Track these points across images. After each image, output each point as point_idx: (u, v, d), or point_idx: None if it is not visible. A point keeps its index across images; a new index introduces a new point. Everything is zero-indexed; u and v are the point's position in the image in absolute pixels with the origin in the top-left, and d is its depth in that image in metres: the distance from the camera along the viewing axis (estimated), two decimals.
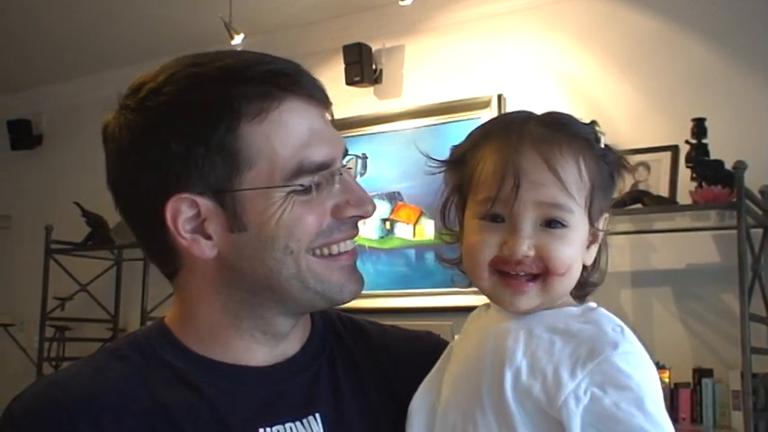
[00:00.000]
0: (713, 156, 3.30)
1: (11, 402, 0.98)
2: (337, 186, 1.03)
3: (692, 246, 3.47)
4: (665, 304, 3.53)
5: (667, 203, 3.34)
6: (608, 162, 1.04)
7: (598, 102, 3.80)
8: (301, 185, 1.00)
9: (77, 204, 4.87)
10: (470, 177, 1.05)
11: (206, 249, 1.02)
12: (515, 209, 0.99)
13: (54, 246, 4.99)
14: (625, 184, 1.15)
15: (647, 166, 3.48)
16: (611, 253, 3.67)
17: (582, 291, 1.09)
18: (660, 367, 3.30)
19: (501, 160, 1.01)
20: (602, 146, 1.04)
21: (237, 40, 4.21)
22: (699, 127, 3.32)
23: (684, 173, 3.37)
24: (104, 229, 4.91)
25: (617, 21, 3.84)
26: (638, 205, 3.33)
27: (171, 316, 1.10)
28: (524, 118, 1.05)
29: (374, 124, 4.35)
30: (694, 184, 3.29)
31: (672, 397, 3.22)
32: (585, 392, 0.92)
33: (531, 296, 1.01)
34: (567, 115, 1.07)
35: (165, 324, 1.09)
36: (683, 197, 3.34)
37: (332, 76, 4.44)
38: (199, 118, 0.98)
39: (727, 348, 3.33)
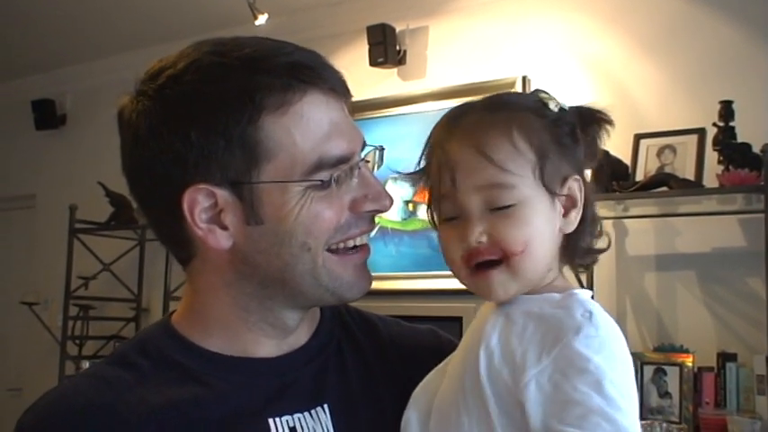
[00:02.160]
0: (740, 139, 3.26)
1: (22, 416, 0.99)
2: (356, 180, 1.03)
3: (718, 229, 3.43)
4: (689, 288, 3.51)
5: (693, 187, 3.30)
6: (565, 123, 1.04)
7: (623, 84, 3.76)
8: (321, 180, 0.99)
9: (101, 184, 4.89)
10: (427, 181, 1.08)
11: (221, 240, 1.01)
12: (459, 200, 1.01)
13: (78, 225, 5.02)
14: (603, 135, 1.10)
15: (673, 148, 3.45)
16: (635, 237, 3.68)
17: (583, 259, 1.09)
18: (684, 351, 3.29)
19: (437, 158, 1.03)
20: (555, 109, 1.04)
21: (261, 20, 4.21)
22: (726, 109, 3.29)
23: (711, 156, 3.34)
24: (128, 208, 4.93)
25: (643, 2, 3.80)
26: (664, 188, 3.30)
27: (179, 311, 1.11)
28: (462, 110, 1.05)
29: (397, 105, 4.33)
30: (721, 167, 3.26)
31: (695, 381, 3.21)
32: (549, 379, 0.91)
33: (500, 283, 1.01)
34: (508, 94, 1.08)
35: (171, 323, 1.09)
36: (710, 180, 3.31)
37: (355, 57, 4.43)
38: (220, 109, 0.97)
39: (751, 333, 3.31)
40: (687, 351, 3.30)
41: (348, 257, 1.04)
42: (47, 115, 5.78)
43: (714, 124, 3.30)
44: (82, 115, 5.75)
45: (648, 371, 3.30)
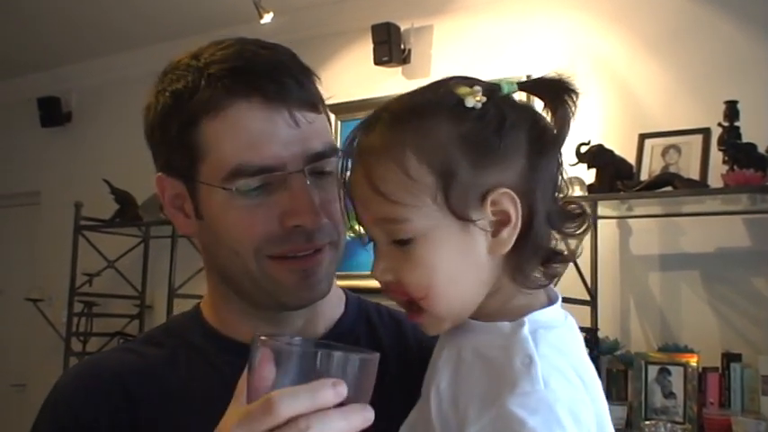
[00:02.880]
0: (745, 139, 3.25)
1: (59, 378, 1.13)
2: (287, 193, 1.01)
3: (723, 229, 3.43)
4: (693, 288, 3.50)
5: (698, 186, 3.30)
6: (490, 121, 0.87)
7: (628, 84, 3.76)
8: (241, 188, 1.00)
9: (106, 181, 4.90)
10: None
11: (184, 226, 1.09)
12: (365, 230, 0.91)
13: (83, 222, 5.03)
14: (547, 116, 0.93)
15: (677, 148, 3.45)
16: (640, 237, 3.68)
17: (533, 282, 0.91)
18: (688, 351, 3.28)
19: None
20: (477, 104, 0.87)
21: (266, 18, 4.21)
22: (731, 109, 3.28)
23: (716, 156, 3.33)
24: (132, 206, 4.94)
25: (647, 1, 3.79)
26: (668, 188, 3.30)
27: (205, 297, 1.16)
28: (367, 124, 0.91)
29: None
30: (726, 167, 3.25)
31: (700, 381, 3.20)
32: None
33: (428, 324, 0.91)
34: (420, 95, 0.90)
35: (199, 307, 1.16)
36: (714, 180, 3.30)
37: (360, 56, 4.43)
38: (171, 108, 1.04)
39: (756, 333, 3.31)
40: (692, 351, 3.29)
41: (287, 264, 1.03)
42: (52, 113, 5.79)
43: (719, 124, 3.30)
44: (87, 113, 5.75)
45: (653, 371, 3.29)
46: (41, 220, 5.93)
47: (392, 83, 4.39)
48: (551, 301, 0.93)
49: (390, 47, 4.32)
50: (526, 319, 0.87)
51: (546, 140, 0.90)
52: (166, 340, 1.12)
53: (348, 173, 0.91)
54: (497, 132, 0.86)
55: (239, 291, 1.07)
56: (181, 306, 4.45)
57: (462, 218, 0.86)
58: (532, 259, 0.90)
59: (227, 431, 0.78)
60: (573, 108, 0.92)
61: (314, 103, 1.04)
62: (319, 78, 1.09)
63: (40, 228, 5.91)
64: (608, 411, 0.92)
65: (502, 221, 0.87)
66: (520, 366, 0.83)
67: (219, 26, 4.45)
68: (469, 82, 0.89)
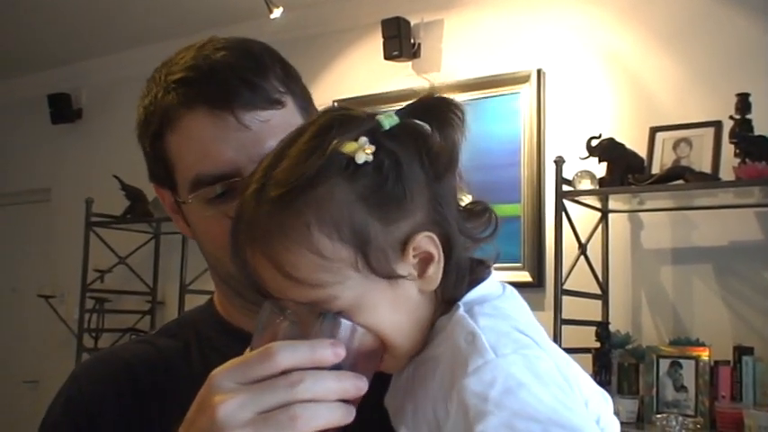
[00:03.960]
0: (757, 131, 3.24)
1: (75, 368, 1.17)
2: None
3: (735, 223, 3.42)
4: (705, 281, 3.49)
5: (710, 180, 3.29)
6: (388, 170, 0.82)
7: (639, 77, 3.75)
8: (201, 197, 1.01)
9: (117, 178, 4.91)
10: None
11: (183, 230, 1.12)
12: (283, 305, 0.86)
13: (94, 219, 5.05)
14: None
15: (689, 141, 3.44)
16: (651, 230, 3.67)
17: (460, 288, 0.88)
18: (700, 344, 3.27)
19: (239, 254, 0.85)
20: (370, 156, 0.81)
21: (276, 14, 4.21)
22: (743, 102, 3.26)
23: (728, 149, 3.31)
24: (143, 202, 4.95)
25: None
26: (680, 181, 3.29)
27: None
28: (250, 202, 0.83)
29: (412, 99, 4.31)
30: (737, 160, 3.24)
31: (711, 375, 3.19)
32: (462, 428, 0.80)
33: (387, 366, 0.88)
34: (304, 163, 0.81)
35: (212, 300, 1.18)
36: (726, 173, 3.29)
37: (370, 51, 4.43)
38: (144, 122, 1.06)
39: None
40: (703, 344, 3.28)
41: None
42: (63, 109, 5.80)
43: (730, 117, 3.28)
44: (98, 109, 5.77)
45: (664, 364, 3.29)
46: (53, 217, 5.94)
47: (402, 77, 4.38)
48: (481, 280, 0.90)
49: (400, 41, 4.31)
50: (459, 303, 0.86)
51: (441, 165, 0.85)
52: (180, 332, 1.14)
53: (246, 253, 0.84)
54: (397, 180, 0.81)
55: (234, 290, 1.08)
56: (192, 302, 4.46)
57: (389, 277, 0.82)
58: (460, 280, 0.87)
59: (221, 374, 0.78)
60: (460, 123, 0.86)
61: (268, 99, 1.01)
62: (287, 68, 1.07)
63: (52, 225, 5.93)
64: (571, 364, 0.91)
65: (425, 260, 0.84)
66: (465, 345, 0.81)
67: (230, 22, 4.46)
68: (352, 133, 0.82)
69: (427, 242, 0.84)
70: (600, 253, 3.64)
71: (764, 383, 3.12)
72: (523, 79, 4.01)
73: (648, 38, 3.77)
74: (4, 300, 6.17)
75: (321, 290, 0.81)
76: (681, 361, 3.27)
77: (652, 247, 3.64)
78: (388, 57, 4.36)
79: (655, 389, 3.28)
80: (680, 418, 3.11)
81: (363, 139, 0.81)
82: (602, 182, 3.46)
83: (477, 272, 0.90)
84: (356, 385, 0.79)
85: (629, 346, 3.45)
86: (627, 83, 3.77)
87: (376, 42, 4.40)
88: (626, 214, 3.68)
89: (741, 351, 3.19)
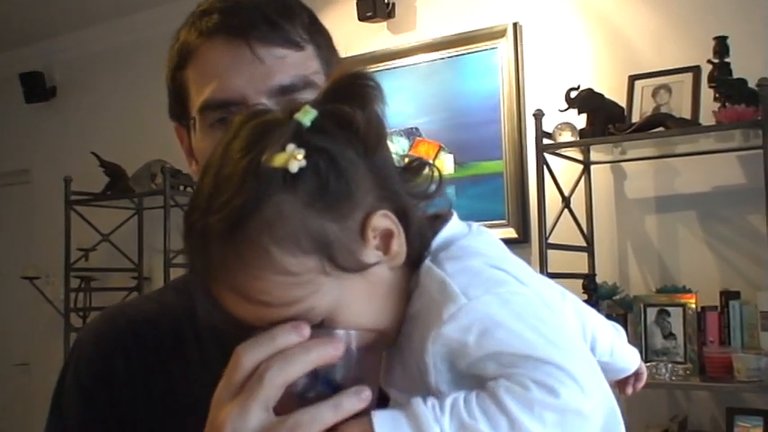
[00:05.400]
0: (736, 74, 3.22)
1: (81, 331, 1.21)
2: None
3: (717, 168, 3.42)
4: (690, 228, 3.50)
5: (690, 125, 3.28)
6: (326, 169, 0.79)
7: (616, 26, 3.72)
8: (205, 120, 1.05)
9: (95, 154, 4.87)
10: None
11: (195, 173, 1.12)
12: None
13: (74, 197, 4.99)
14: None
15: (668, 88, 3.42)
16: (634, 180, 3.65)
17: (432, 232, 0.88)
18: (687, 291, 3.29)
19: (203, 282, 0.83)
20: (303, 162, 0.77)
21: None
22: (721, 45, 3.24)
23: (707, 94, 3.30)
24: (123, 178, 4.92)
25: None
26: (661, 129, 3.28)
27: None
28: (196, 245, 0.81)
29: (389, 60, 4.28)
30: (717, 104, 3.22)
31: (699, 321, 3.21)
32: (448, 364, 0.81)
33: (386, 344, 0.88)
34: (240, 196, 0.77)
35: None
36: (707, 118, 3.28)
37: (344, 13, 4.38)
38: (169, 60, 1.11)
39: (754, 270, 3.31)
40: (690, 291, 3.29)
41: None
42: (36, 88, 5.73)
43: (709, 61, 3.27)
44: (72, 86, 5.69)
45: (651, 313, 3.30)
46: (33, 198, 5.90)
47: (378, 38, 4.34)
48: (443, 223, 0.89)
49: (374, 2, 4.25)
50: (426, 257, 0.85)
51: (372, 142, 0.83)
52: (186, 287, 1.14)
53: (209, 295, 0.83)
54: (338, 177, 0.80)
55: None
56: (178, 275, 4.44)
57: (360, 269, 0.81)
58: (423, 242, 0.86)
59: (218, 391, 0.80)
60: (377, 93, 0.83)
61: (287, 39, 1.04)
62: (316, 21, 1.11)
63: (32, 205, 5.88)
64: (566, 296, 0.92)
65: (386, 237, 0.83)
66: (437, 295, 0.80)
67: None
68: (277, 143, 0.78)
69: (383, 220, 0.83)
70: (584, 205, 3.64)
71: (752, 326, 3.14)
72: (500, 34, 3.98)
73: None
74: None
75: (298, 305, 0.79)
76: (668, 309, 3.28)
77: (635, 197, 3.64)
78: (362, 18, 4.30)
79: (643, 337, 3.29)
80: (669, 366, 3.13)
81: (291, 146, 0.78)
82: (582, 133, 3.44)
83: (436, 225, 0.88)
84: (327, 349, 0.79)
85: (617, 297, 3.46)
86: (603, 32, 3.74)
87: (349, 4, 4.34)
88: (608, 165, 3.68)
89: (728, 296, 3.21)
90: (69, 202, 4.97)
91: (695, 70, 3.37)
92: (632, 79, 3.50)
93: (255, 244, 0.77)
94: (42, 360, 5.43)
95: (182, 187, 4.65)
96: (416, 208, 0.87)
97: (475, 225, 0.91)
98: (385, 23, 4.37)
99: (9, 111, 5.97)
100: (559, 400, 0.74)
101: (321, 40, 1.10)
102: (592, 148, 3.52)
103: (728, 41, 3.24)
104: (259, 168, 0.77)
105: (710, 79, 3.26)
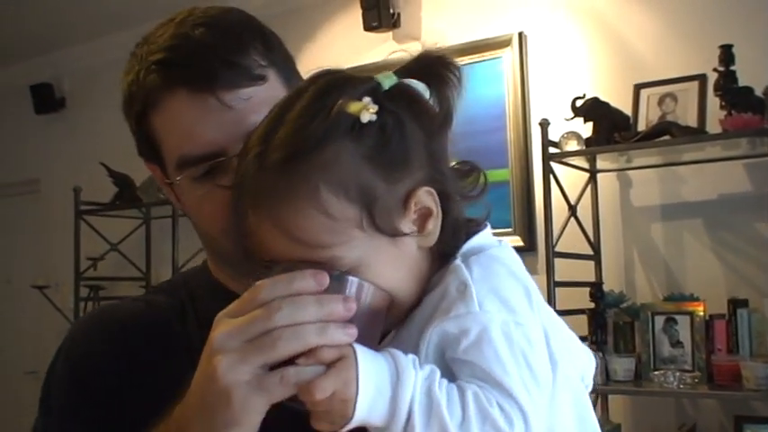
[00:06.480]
0: (742, 83, 3.22)
1: (71, 325, 1.24)
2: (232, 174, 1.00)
3: (723, 175, 3.42)
4: (696, 236, 3.50)
5: (696, 134, 3.28)
6: (392, 128, 0.84)
7: (621, 35, 3.73)
8: (187, 177, 1.02)
9: (103, 165, 4.89)
10: None
11: (177, 205, 1.13)
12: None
13: (83, 207, 5.02)
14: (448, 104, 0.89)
15: (674, 96, 3.42)
16: (640, 188, 3.65)
17: (457, 242, 0.91)
18: (694, 299, 3.29)
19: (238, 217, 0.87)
20: (374, 116, 0.82)
21: None
22: (726, 54, 3.25)
23: (713, 102, 3.30)
24: (131, 187, 4.94)
25: None
26: (667, 137, 3.28)
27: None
28: (252, 163, 0.84)
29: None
30: (723, 112, 3.23)
31: (707, 329, 3.20)
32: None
33: (378, 331, 0.89)
34: (309, 125, 0.82)
35: (207, 264, 1.19)
36: (713, 126, 3.28)
37: (349, 23, 4.40)
38: (127, 100, 1.07)
39: (761, 277, 3.30)
40: (697, 299, 3.29)
41: None
42: (46, 99, 5.77)
43: (714, 69, 3.27)
44: (81, 97, 5.73)
45: (659, 321, 3.30)
46: (42, 208, 5.93)
47: (383, 48, 4.36)
48: (476, 232, 0.92)
49: (379, 12, 4.27)
50: (457, 255, 0.88)
51: (437, 124, 0.88)
52: (174, 291, 1.16)
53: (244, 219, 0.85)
54: (401, 140, 0.84)
55: (229, 265, 1.10)
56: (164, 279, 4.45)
57: (393, 234, 0.84)
58: (455, 236, 0.90)
59: (219, 317, 0.83)
60: (455, 81, 0.88)
61: (249, 76, 1.01)
62: (268, 39, 1.07)
63: (42, 215, 5.91)
64: (560, 328, 0.93)
65: (424, 216, 0.87)
66: (455, 293, 0.84)
67: (209, 2, 4.41)
68: (355, 93, 0.83)
69: (427, 197, 0.86)
70: (590, 213, 3.64)
71: (760, 334, 3.13)
72: (505, 43, 3.99)
73: None
74: None
75: (326, 251, 0.82)
76: (676, 317, 3.28)
77: (642, 205, 3.64)
78: (367, 28, 4.32)
79: (651, 346, 3.29)
80: (677, 374, 3.13)
81: (367, 99, 0.83)
82: (588, 142, 3.45)
83: (471, 227, 0.92)
84: (340, 309, 0.80)
85: (624, 305, 3.46)
86: (608, 41, 3.75)
87: (355, 14, 4.36)
88: (614, 173, 3.68)
89: (735, 304, 3.20)
90: (79, 212, 5.00)
91: (701, 78, 3.37)
92: (638, 88, 3.50)
93: (307, 179, 0.81)
94: None
95: None
96: (458, 203, 0.91)
97: (505, 241, 0.94)
98: (390, 33, 4.39)
99: (19, 121, 6.00)
100: (509, 430, 0.79)
101: (277, 57, 1.07)
102: (598, 156, 3.52)
103: (734, 49, 3.24)
104: (331, 110, 0.82)
105: (716, 87, 3.26)
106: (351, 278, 0.83)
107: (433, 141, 0.88)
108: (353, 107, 0.82)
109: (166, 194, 1.15)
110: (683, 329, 3.24)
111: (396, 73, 0.87)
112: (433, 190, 0.87)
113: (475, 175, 0.93)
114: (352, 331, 0.80)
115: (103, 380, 1.08)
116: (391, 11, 4.33)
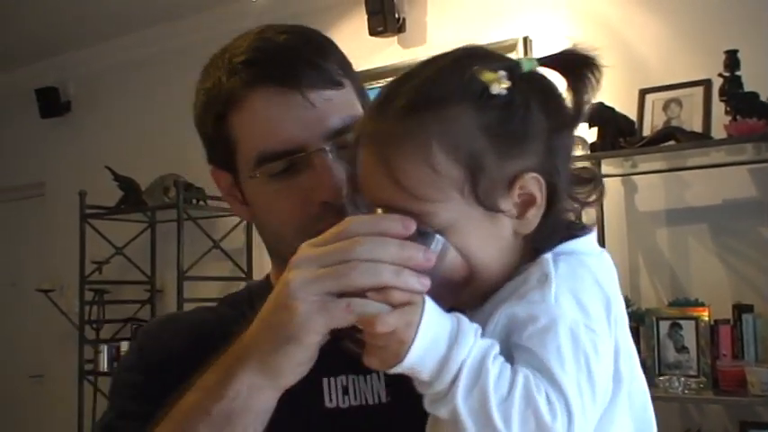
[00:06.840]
0: (747, 88, 3.22)
1: (143, 326, 1.24)
2: (311, 171, 1.04)
3: (728, 181, 3.41)
4: (701, 241, 3.50)
5: (701, 139, 3.28)
6: (517, 107, 0.85)
7: (626, 40, 3.73)
8: (265, 173, 1.05)
9: (109, 169, 4.90)
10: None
11: (240, 212, 1.16)
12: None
13: (88, 211, 5.03)
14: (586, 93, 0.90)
15: (679, 102, 3.43)
16: (645, 193, 3.64)
17: (551, 241, 0.89)
18: (699, 304, 3.28)
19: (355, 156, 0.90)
20: (503, 91, 0.84)
21: None
22: (731, 59, 3.25)
23: (718, 107, 3.30)
24: (136, 191, 4.95)
25: None
26: (672, 142, 3.28)
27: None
28: (381, 105, 0.88)
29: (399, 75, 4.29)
30: (728, 117, 3.23)
31: (712, 334, 3.20)
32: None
33: (465, 300, 0.89)
34: (441, 79, 0.85)
35: (270, 276, 1.21)
36: (718, 132, 3.28)
37: (355, 28, 4.40)
38: (206, 105, 1.10)
39: (766, 283, 3.30)
40: (702, 304, 3.28)
41: None
42: (51, 103, 5.79)
43: (720, 75, 3.27)
44: (86, 101, 5.74)
45: (664, 326, 3.29)
46: (48, 211, 5.94)
47: (388, 53, 4.36)
48: (576, 236, 0.91)
49: (384, 16, 4.28)
50: (549, 251, 0.88)
51: (564, 118, 0.89)
52: (238, 303, 1.18)
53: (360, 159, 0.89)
54: (523, 121, 0.85)
55: None
56: (191, 288, 4.47)
57: (491, 209, 0.85)
58: (553, 233, 0.89)
59: (305, 245, 0.86)
60: (595, 84, 0.90)
61: (331, 80, 1.06)
62: (343, 55, 1.12)
63: (47, 219, 5.93)
64: (632, 352, 0.92)
65: (527, 202, 0.87)
66: (534, 282, 0.84)
67: (213, 6, 4.42)
68: (492, 65, 0.85)
69: (534, 184, 0.86)
70: (595, 218, 3.64)
71: (765, 340, 3.13)
72: (510, 48, 3.99)
73: (634, 0, 3.75)
74: (4, 296, 6.19)
75: (422, 203, 0.84)
76: (681, 322, 3.27)
77: (647, 210, 3.64)
78: (372, 33, 4.33)
79: (656, 351, 3.28)
80: (682, 379, 3.12)
81: (502, 73, 0.84)
82: (593, 147, 3.45)
83: (574, 230, 0.92)
84: (419, 257, 0.81)
85: (629, 310, 3.42)
86: (613, 46, 3.74)
87: (360, 19, 4.37)
88: (619, 178, 3.68)
89: (741, 309, 3.20)
90: (84, 216, 5.01)
91: (706, 84, 3.37)
92: (643, 93, 3.51)
93: (423, 129, 0.83)
94: (56, 372, 5.46)
95: (194, 201, 4.68)
96: (566, 204, 0.91)
97: (606, 253, 0.93)
98: (396, 38, 4.39)
99: (25, 125, 6.02)
100: (550, 422, 0.77)
101: (353, 73, 1.12)
102: (603, 161, 3.52)
103: (739, 55, 3.24)
104: (466, 73, 0.84)
105: (721, 93, 3.26)
106: (437, 236, 0.84)
107: (556, 136, 0.88)
108: (487, 76, 0.84)
109: (229, 204, 1.17)
110: (688, 335, 3.24)
111: (539, 60, 0.89)
112: (542, 179, 0.86)
113: (593, 185, 0.93)
114: (426, 281, 0.81)
115: (174, 367, 1.07)
116: (396, 16, 4.34)
